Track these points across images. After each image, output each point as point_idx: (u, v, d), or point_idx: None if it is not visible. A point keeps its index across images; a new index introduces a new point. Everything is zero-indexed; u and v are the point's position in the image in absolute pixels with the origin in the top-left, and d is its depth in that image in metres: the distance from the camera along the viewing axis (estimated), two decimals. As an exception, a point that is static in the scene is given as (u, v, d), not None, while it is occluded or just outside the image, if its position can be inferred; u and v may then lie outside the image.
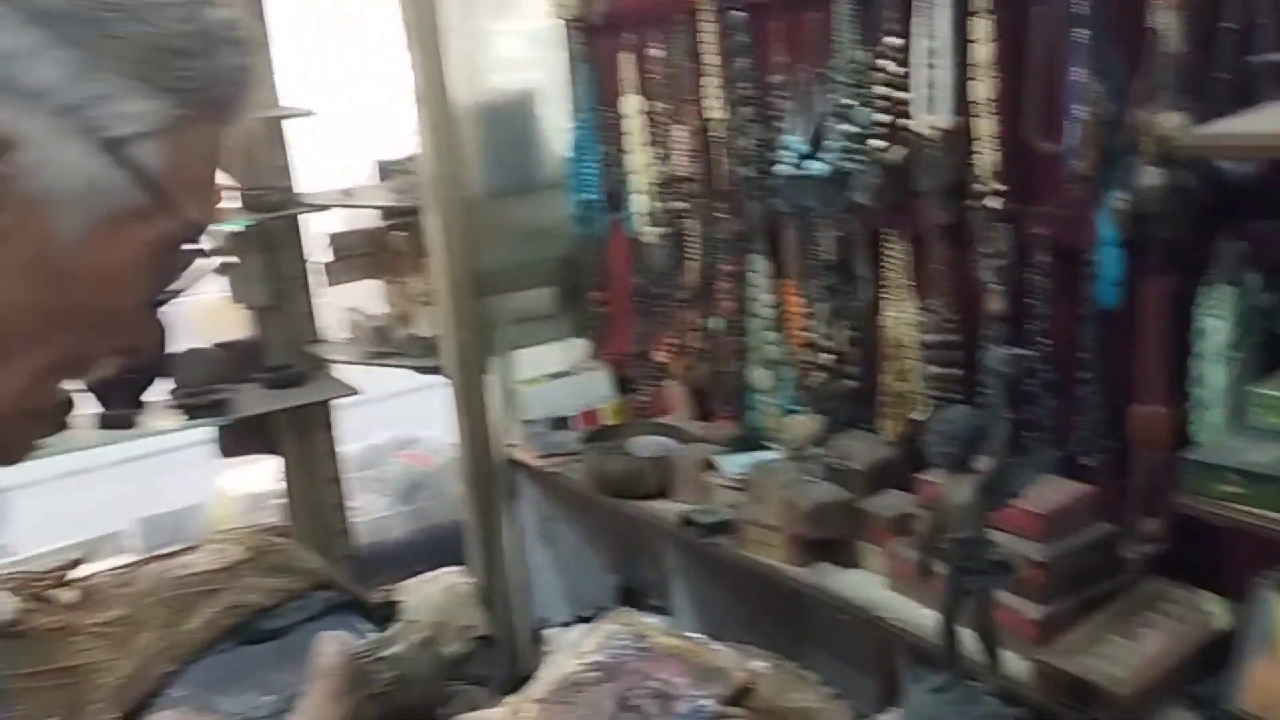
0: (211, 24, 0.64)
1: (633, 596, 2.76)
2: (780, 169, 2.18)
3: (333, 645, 0.95)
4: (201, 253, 0.69)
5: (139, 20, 0.61)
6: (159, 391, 2.99)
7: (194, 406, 2.91)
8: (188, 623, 2.71)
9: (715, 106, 2.35)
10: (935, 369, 1.96)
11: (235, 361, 3.10)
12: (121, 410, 2.81)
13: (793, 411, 2.31)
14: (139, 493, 4.02)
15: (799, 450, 2.17)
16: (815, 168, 2.11)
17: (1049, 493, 1.75)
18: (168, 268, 0.68)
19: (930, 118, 1.86)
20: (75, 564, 2.97)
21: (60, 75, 0.60)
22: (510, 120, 2.88)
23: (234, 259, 3.06)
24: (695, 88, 2.39)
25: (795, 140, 2.16)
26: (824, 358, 2.20)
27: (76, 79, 0.60)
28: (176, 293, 0.70)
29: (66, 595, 2.90)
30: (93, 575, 3.02)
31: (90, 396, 2.87)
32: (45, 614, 2.84)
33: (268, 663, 2.63)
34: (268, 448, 3.27)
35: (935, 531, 1.48)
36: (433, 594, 3.05)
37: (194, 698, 2.68)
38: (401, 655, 1.14)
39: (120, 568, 3.09)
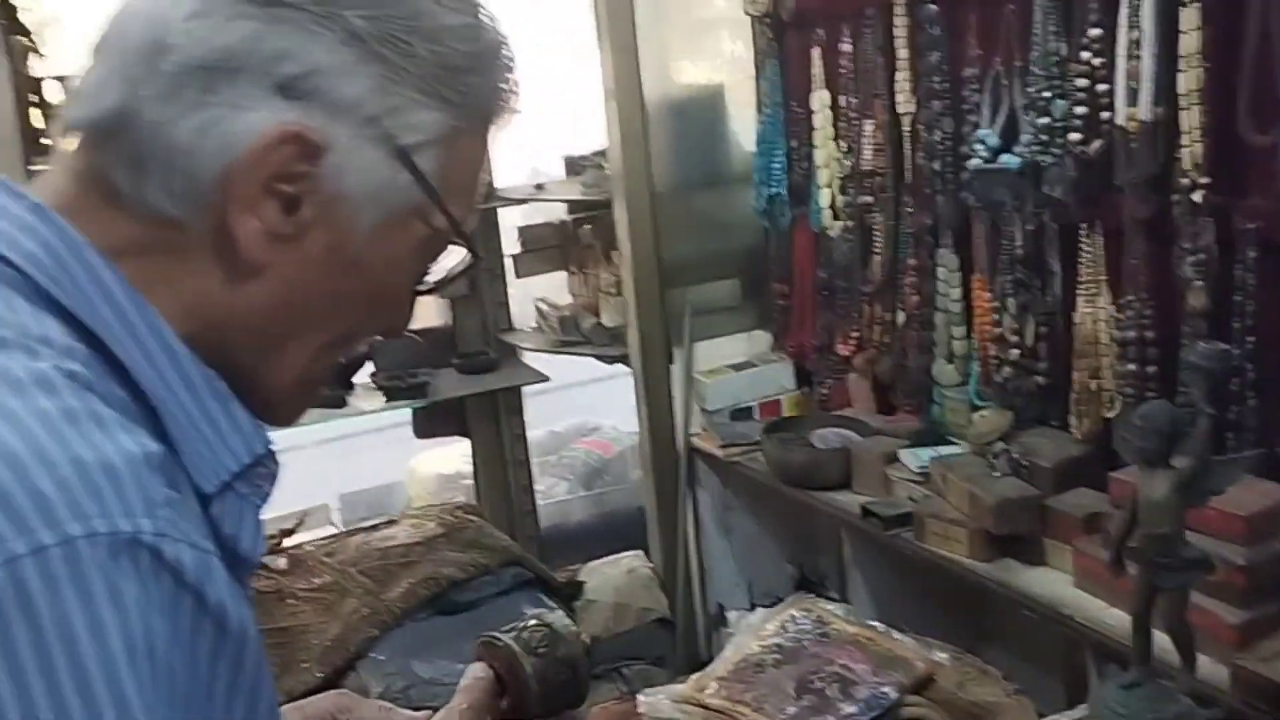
0: (489, 45, 0.72)
1: (809, 587, 2.78)
2: (971, 163, 2.17)
3: (480, 670, 1.04)
4: (464, 247, 0.77)
5: (432, 41, 0.69)
6: (361, 375, 3.17)
7: (393, 389, 3.08)
8: (388, 592, 2.88)
9: (906, 101, 2.35)
10: (1131, 366, 1.92)
11: (432, 348, 3.26)
12: (332, 390, 3.00)
13: (978, 407, 2.29)
14: (340, 470, 4.26)
15: (985, 446, 2.16)
16: (1008, 161, 2.10)
17: (1251, 494, 1.70)
18: (431, 260, 0.76)
19: (1132, 110, 1.82)
20: (288, 533, 3.18)
21: (365, 89, 0.67)
22: (698, 115, 2.94)
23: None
24: (885, 82, 2.40)
25: (988, 134, 2.15)
26: (1012, 353, 2.18)
27: (377, 93, 0.68)
28: (435, 283, 0.78)
29: (279, 562, 3.12)
30: (302, 545, 3.24)
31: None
32: (261, 578, 3.06)
33: (461, 633, 2.78)
34: (459, 430, 3.43)
35: (1130, 528, 1.46)
36: (615, 576, 3.16)
37: (392, 662, 2.84)
38: (552, 622, 1.21)
39: (326, 538, 3.31)
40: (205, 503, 0.66)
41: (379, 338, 0.81)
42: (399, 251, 0.72)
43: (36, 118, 2.63)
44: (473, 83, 0.71)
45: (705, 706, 1.82)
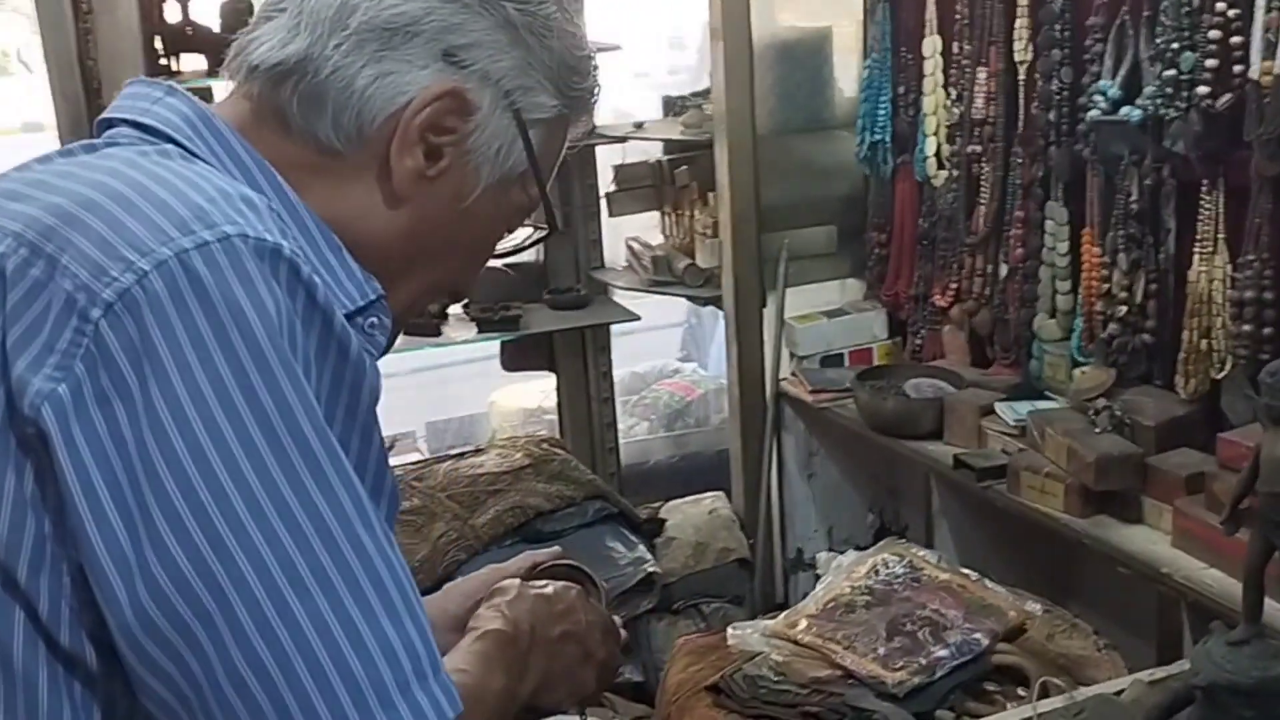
0: (590, 56, 0.87)
1: (889, 536, 2.79)
2: (1089, 114, 2.13)
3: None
4: (546, 216, 0.90)
5: (560, 39, 0.83)
6: (455, 307, 3.21)
7: (485, 320, 3.11)
8: (476, 518, 2.94)
9: (1023, 49, 2.31)
10: (1246, 326, 1.89)
11: (523, 282, 3.28)
12: (427, 320, 3.05)
13: (1079, 363, 2.27)
14: (427, 400, 4.34)
15: (1086, 402, 2.14)
16: (1129, 114, 2.05)
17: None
18: (515, 227, 0.91)
19: (1268, 64, 1.78)
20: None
21: (509, 67, 0.81)
22: (804, 58, 2.91)
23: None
24: (1003, 29, 2.36)
25: (1109, 85, 2.11)
26: (1119, 310, 2.15)
27: (517, 73, 0.82)
28: (511, 248, 0.94)
29: (369, 483, 3.18)
30: (393, 469, 3.31)
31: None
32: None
33: (545, 562, 2.82)
34: (547, 365, 3.46)
35: (1248, 488, 1.45)
36: (696, 515, 3.19)
37: (479, 587, 2.89)
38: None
39: (415, 463, 3.38)
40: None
41: (445, 299, 0.93)
42: (499, 211, 0.86)
43: (158, 37, 2.68)
44: (577, 82, 0.86)
45: (795, 642, 1.85)
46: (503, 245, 0.93)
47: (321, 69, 0.78)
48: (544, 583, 0.96)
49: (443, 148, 0.80)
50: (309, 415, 0.66)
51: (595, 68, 0.88)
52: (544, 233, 0.93)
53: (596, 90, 0.88)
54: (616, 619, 1.00)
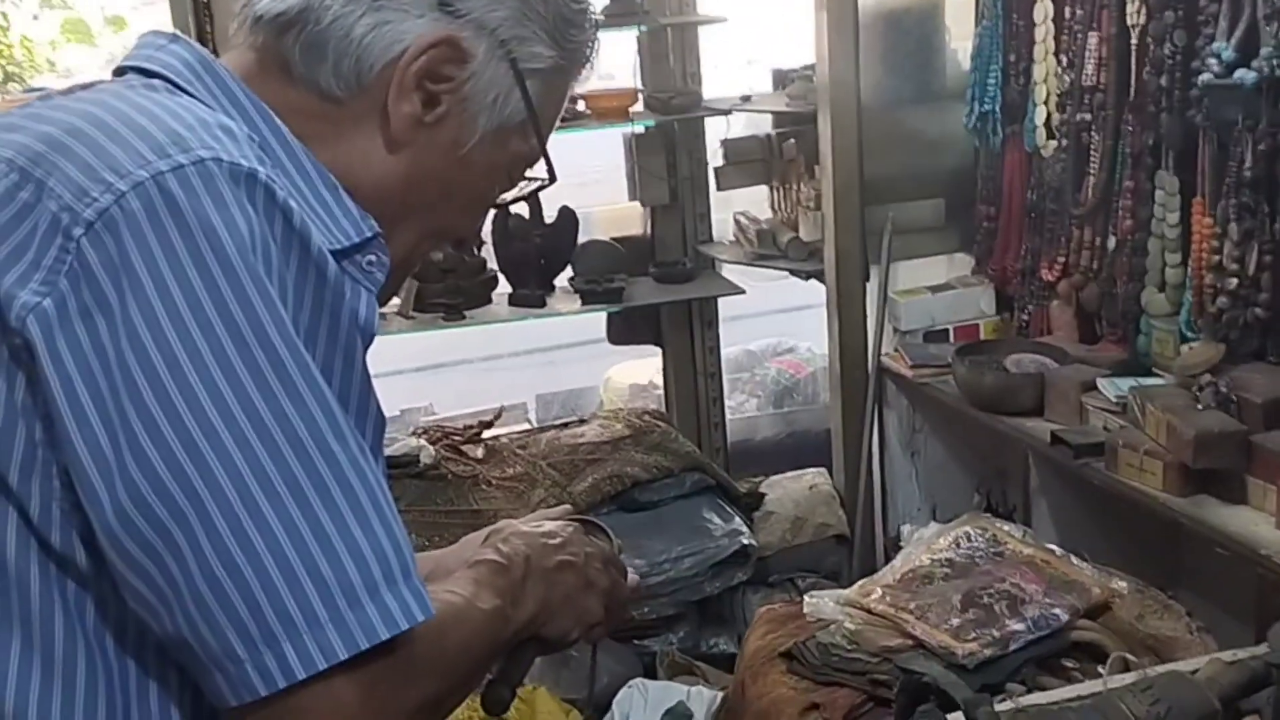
0: (588, 10, 0.89)
1: (995, 515, 2.73)
2: (1202, 78, 2.04)
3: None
4: (545, 167, 0.91)
5: None
6: (561, 279, 3.26)
7: (589, 293, 3.14)
8: (575, 485, 2.99)
9: (1135, 12, 2.22)
10: (1362, 299, 1.79)
11: (631, 256, 3.31)
12: (533, 291, 3.10)
13: (1188, 338, 2.18)
14: (538, 380, 4.43)
15: (1191, 378, 2.06)
16: (1244, 77, 1.96)
17: None
18: (516, 178, 0.92)
19: (1387, 17, 1.67)
20: (486, 425, 3.34)
21: (505, 17, 0.83)
22: (912, 28, 2.85)
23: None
24: (1115, -9, 2.27)
25: (1223, 47, 2.01)
26: (1231, 283, 2.06)
27: (514, 23, 0.84)
28: (509, 200, 0.94)
29: (477, 451, 3.28)
30: (498, 437, 3.39)
31: (503, 279, 3.19)
32: (459, 463, 3.22)
33: (641, 530, 2.87)
34: (653, 339, 3.48)
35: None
36: (796, 490, 3.18)
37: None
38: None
39: (520, 432, 3.45)
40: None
41: (449, 249, 0.94)
42: (498, 159, 0.88)
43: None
44: (575, 35, 0.87)
45: (868, 610, 1.83)
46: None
47: (322, 18, 0.81)
48: (539, 521, 0.98)
49: (440, 95, 0.83)
50: (279, 328, 0.69)
51: (593, 21, 0.89)
52: (541, 183, 0.93)
53: (595, 44, 0.90)
54: (622, 559, 1.01)
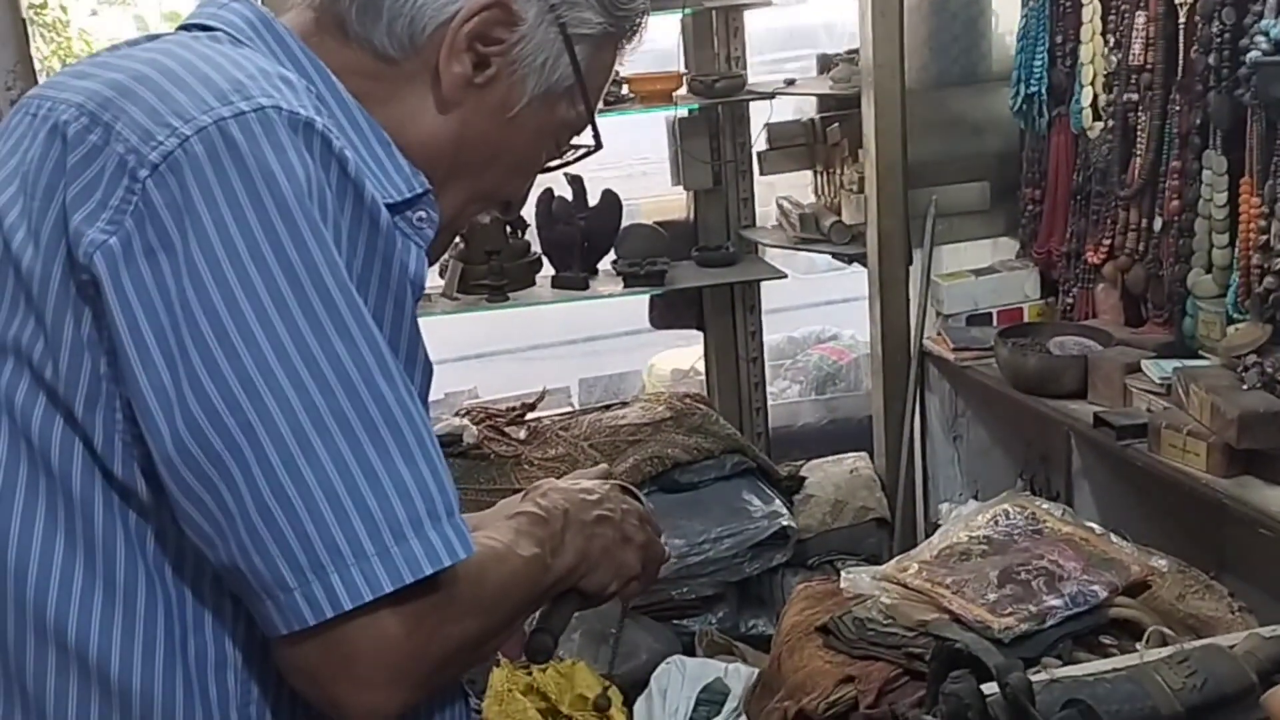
0: None
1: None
2: (1250, 56, 2.02)
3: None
4: (591, 133, 0.93)
5: None
6: (604, 262, 3.28)
7: (632, 275, 3.16)
8: (615, 466, 3.01)
9: (1183, -11, 2.20)
10: None
11: (673, 239, 3.32)
12: (576, 273, 3.12)
13: (1234, 320, 2.16)
14: (582, 369, 4.46)
15: (1236, 359, 2.03)
16: (1292, 53, 1.94)
17: None
18: (563, 143, 0.94)
19: None
20: (530, 407, 3.37)
21: None
22: (958, 10, 2.84)
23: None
24: (1163, -31, 2.25)
25: (1272, 24, 1.99)
26: (1278, 263, 2.03)
27: None
28: (557, 164, 0.95)
29: (520, 432, 3.31)
30: (541, 419, 3.42)
31: (547, 261, 3.21)
32: (502, 444, 3.25)
33: (680, 511, 2.88)
34: (695, 323, 3.49)
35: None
36: (837, 474, 3.18)
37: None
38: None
39: (563, 414, 3.48)
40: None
41: (497, 214, 0.97)
42: (545, 124, 0.90)
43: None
44: (625, 4, 0.89)
45: (905, 586, 1.83)
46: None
47: None
48: (576, 479, 1.00)
49: (490, 57, 0.85)
50: (333, 272, 0.72)
51: None
52: (588, 149, 0.95)
53: (645, 13, 0.92)
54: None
